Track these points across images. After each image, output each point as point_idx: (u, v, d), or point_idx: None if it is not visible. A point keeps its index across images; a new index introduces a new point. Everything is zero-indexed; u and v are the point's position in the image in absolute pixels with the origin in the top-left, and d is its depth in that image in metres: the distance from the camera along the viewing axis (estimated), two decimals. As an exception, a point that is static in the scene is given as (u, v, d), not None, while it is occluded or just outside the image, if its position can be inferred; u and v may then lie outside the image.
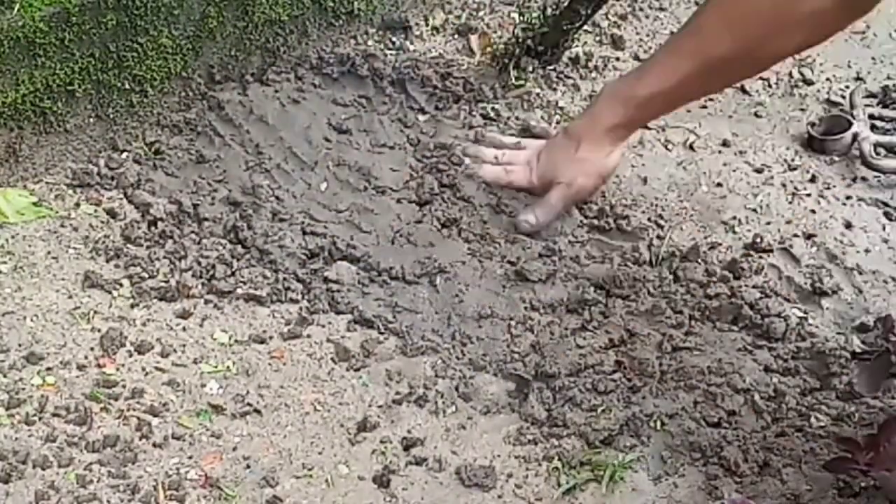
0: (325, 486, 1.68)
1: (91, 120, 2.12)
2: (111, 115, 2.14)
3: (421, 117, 2.30)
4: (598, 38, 2.57)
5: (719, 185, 2.28)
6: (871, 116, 2.42)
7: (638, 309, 1.99)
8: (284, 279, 1.97)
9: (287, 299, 1.94)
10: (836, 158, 2.36)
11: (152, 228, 2.02)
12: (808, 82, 2.55)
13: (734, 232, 2.18)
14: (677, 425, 1.80)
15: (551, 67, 2.44)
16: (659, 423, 1.80)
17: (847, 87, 2.53)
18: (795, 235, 2.18)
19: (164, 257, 1.98)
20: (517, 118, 2.33)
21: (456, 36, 2.51)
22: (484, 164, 2.15)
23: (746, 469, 1.75)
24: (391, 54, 2.41)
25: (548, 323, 1.95)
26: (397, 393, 1.82)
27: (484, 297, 1.99)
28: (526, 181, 2.12)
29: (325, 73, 2.33)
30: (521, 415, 1.81)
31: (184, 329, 1.88)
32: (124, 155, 2.15)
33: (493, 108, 2.33)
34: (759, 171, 2.32)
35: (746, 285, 2.06)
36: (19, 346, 1.80)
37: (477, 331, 1.93)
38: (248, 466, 1.69)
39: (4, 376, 1.75)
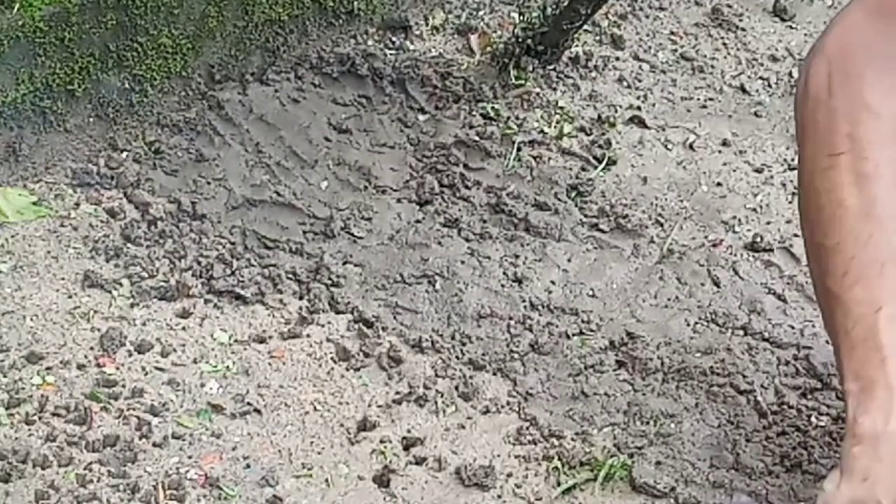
0: (325, 485, 1.68)
1: (91, 119, 2.11)
2: (111, 115, 2.13)
3: (421, 117, 2.30)
4: (598, 38, 2.57)
5: (719, 184, 2.28)
6: (871, 116, 2.42)
7: (639, 308, 1.99)
8: (284, 279, 1.96)
9: (287, 299, 1.94)
10: (836, 158, 2.36)
11: (152, 228, 2.02)
12: (808, 82, 2.55)
13: (734, 231, 2.18)
14: (677, 425, 1.80)
15: (551, 67, 2.44)
16: (659, 424, 1.80)
17: (847, 86, 2.53)
18: (795, 235, 2.18)
19: (164, 257, 1.97)
20: (517, 118, 2.33)
21: (456, 36, 2.51)
22: None
23: (748, 469, 1.75)
24: (391, 54, 2.41)
25: (547, 323, 1.95)
26: (397, 393, 1.82)
27: (484, 296, 1.99)
28: None
29: (325, 73, 2.33)
30: (520, 415, 1.81)
31: (184, 329, 1.88)
32: (124, 154, 2.14)
33: (493, 108, 2.33)
34: (759, 170, 2.32)
35: (747, 285, 2.06)
36: (19, 345, 1.80)
37: (477, 331, 1.93)
38: (248, 466, 1.69)
39: (4, 376, 1.75)
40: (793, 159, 2.35)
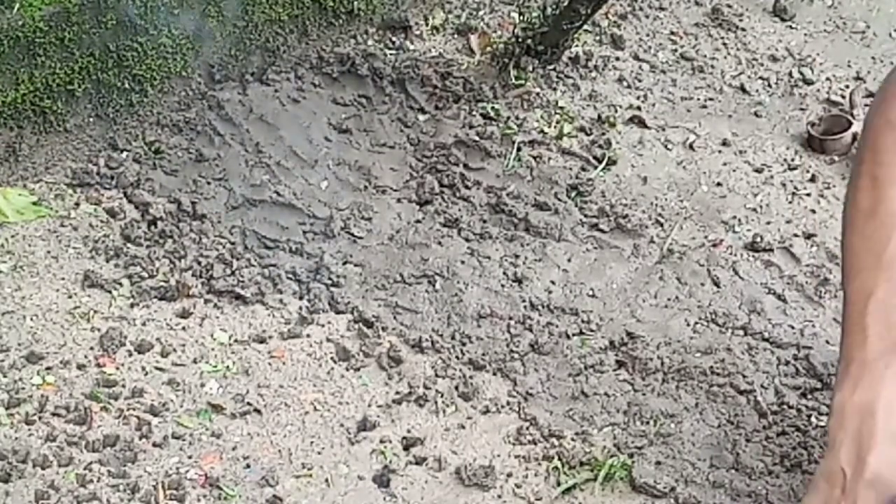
0: (325, 485, 1.68)
1: (91, 119, 2.11)
2: (111, 115, 2.13)
3: (421, 117, 2.30)
4: (598, 38, 2.57)
5: (719, 184, 2.28)
6: (871, 116, 2.42)
7: (639, 308, 1.99)
8: (284, 279, 1.96)
9: (287, 299, 1.94)
10: (836, 158, 2.36)
11: (152, 228, 2.02)
12: (808, 82, 2.55)
13: (734, 231, 2.18)
14: (677, 425, 1.81)
15: (551, 67, 2.44)
16: (659, 424, 1.81)
17: (847, 87, 2.53)
18: (795, 235, 2.18)
19: (164, 257, 1.97)
20: (517, 118, 2.33)
21: (456, 36, 2.51)
22: None
23: (748, 469, 1.75)
24: (391, 54, 2.41)
25: (547, 323, 1.95)
26: (397, 393, 1.82)
27: (484, 296, 1.99)
28: None
29: (325, 73, 2.33)
30: (520, 415, 1.81)
31: (184, 329, 1.88)
32: (124, 154, 2.15)
33: (493, 108, 2.33)
34: (759, 170, 2.32)
35: (747, 285, 2.06)
36: (19, 345, 1.80)
37: (477, 331, 1.93)
38: (248, 466, 1.69)
39: (4, 376, 1.75)
40: (793, 159, 2.36)
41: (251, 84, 2.27)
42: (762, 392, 1.87)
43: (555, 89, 2.42)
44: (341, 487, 1.68)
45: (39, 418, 1.70)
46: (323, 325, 1.91)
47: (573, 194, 2.20)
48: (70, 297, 1.89)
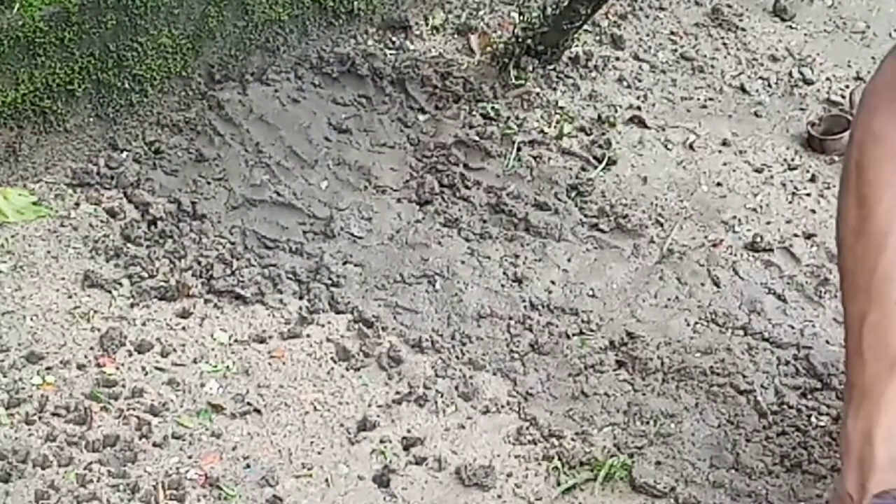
0: (325, 485, 1.68)
1: (91, 119, 2.11)
2: (111, 115, 2.13)
3: (421, 117, 2.30)
4: (598, 38, 2.57)
5: (719, 184, 2.28)
6: (871, 116, 2.42)
7: (639, 308, 1.99)
8: (284, 279, 1.96)
9: (287, 299, 1.94)
10: (836, 158, 2.36)
11: (152, 228, 2.02)
12: (808, 82, 2.55)
13: (734, 231, 2.18)
14: (677, 425, 1.81)
15: (551, 67, 2.44)
16: (659, 424, 1.81)
17: (847, 87, 2.53)
18: (795, 235, 2.18)
19: (164, 257, 1.97)
20: (517, 118, 2.33)
21: (456, 36, 2.51)
22: None
23: (748, 469, 1.75)
24: (391, 54, 2.41)
25: (547, 323, 1.95)
26: (397, 393, 1.82)
27: (484, 296, 1.99)
28: None
29: (325, 73, 2.33)
30: (520, 415, 1.81)
31: (183, 329, 1.88)
32: (124, 154, 2.15)
33: (492, 108, 2.33)
34: (759, 170, 2.32)
35: (747, 285, 2.06)
36: (19, 345, 1.80)
37: (477, 331, 1.93)
38: (248, 466, 1.69)
39: (4, 376, 1.75)
40: (793, 159, 2.36)
41: (251, 84, 2.27)
42: (762, 392, 1.87)
43: (555, 89, 2.42)
44: (341, 487, 1.68)
45: (39, 418, 1.70)
46: (323, 325, 1.91)
47: (573, 194, 2.20)
48: (70, 297, 1.89)
